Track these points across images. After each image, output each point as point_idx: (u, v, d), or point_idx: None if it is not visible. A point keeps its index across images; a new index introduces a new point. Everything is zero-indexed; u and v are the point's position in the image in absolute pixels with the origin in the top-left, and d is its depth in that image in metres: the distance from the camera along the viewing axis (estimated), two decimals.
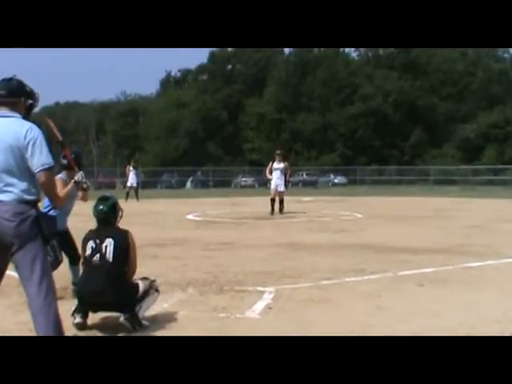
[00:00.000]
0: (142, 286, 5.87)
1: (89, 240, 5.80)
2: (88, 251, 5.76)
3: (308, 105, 73.90)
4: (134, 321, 5.69)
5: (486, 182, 51.99)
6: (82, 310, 5.76)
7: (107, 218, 5.95)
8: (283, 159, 21.07)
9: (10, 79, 4.56)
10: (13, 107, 4.48)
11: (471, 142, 64.38)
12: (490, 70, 72.87)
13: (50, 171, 4.42)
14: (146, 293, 5.88)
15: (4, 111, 4.46)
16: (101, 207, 5.95)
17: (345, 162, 65.46)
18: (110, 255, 5.68)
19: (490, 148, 62.47)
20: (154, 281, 6.11)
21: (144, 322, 5.80)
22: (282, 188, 20.35)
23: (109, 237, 5.75)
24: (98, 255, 5.70)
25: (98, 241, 5.74)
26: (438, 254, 10.65)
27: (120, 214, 6.09)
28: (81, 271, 6.28)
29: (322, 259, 10.08)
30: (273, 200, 20.23)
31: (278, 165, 20.60)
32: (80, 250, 6.08)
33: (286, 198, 20.78)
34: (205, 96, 78.52)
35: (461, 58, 74.68)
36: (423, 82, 73.32)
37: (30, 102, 4.62)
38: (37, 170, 4.32)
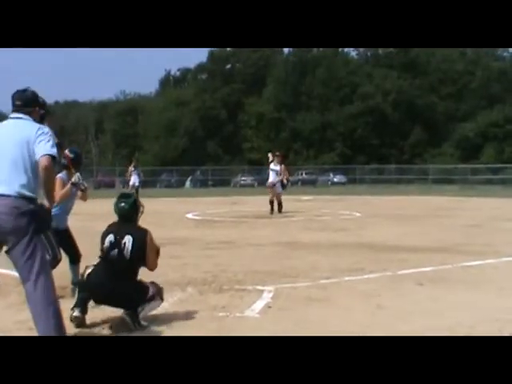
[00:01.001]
0: (151, 289, 5.90)
1: (109, 233, 5.87)
2: (106, 244, 5.81)
3: (307, 104, 73.85)
4: (135, 318, 5.73)
5: (484, 181, 52.06)
6: (82, 304, 5.78)
7: (128, 214, 6.02)
8: (281, 161, 20.90)
9: (25, 90, 4.90)
10: (27, 115, 4.79)
11: (470, 141, 64.37)
12: (490, 68, 72.83)
13: (53, 160, 4.53)
14: (153, 298, 5.91)
15: (18, 114, 4.78)
16: (122, 204, 6.02)
17: (344, 161, 65.49)
18: (127, 252, 5.74)
19: (489, 147, 62.45)
20: (161, 288, 6.12)
21: (143, 322, 5.82)
22: (279, 189, 20.29)
23: (128, 234, 5.81)
24: (116, 250, 5.76)
25: (117, 236, 5.81)
26: (437, 252, 10.66)
27: (141, 209, 6.18)
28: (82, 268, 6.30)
29: (322, 258, 10.10)
30: (272, 202, 20.20)
31: (275, 166, 20.53)
32: (100, 244, 6.08)
33: (285, 198, 20.81)
34: (204, 95, 78.47)
35: (460, 57, 74.68)
36: (422, 81, 73.29)
37: (42, 111, 4.98)
38: (40, 155, 4.48)
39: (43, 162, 4.46)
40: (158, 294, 6.00)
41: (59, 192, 7.00)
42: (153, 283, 6.04)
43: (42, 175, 4.49)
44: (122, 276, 5.70)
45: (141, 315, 5.79)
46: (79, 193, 7.49)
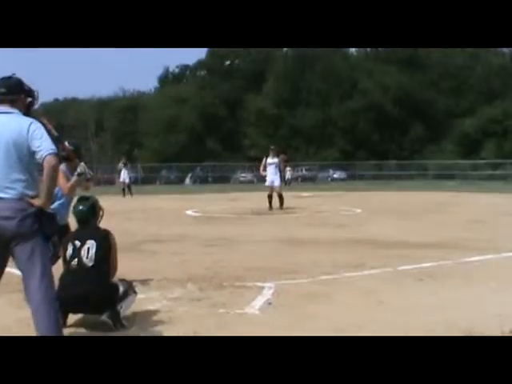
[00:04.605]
0: (121, 287, 5.77)
1: (68, 242, 5.75)
2: (68, 253, 5.70)
3: (307, 100, 73.80)
4: (116, 319, 5.59)
5: (485, 176, 52.07)
6: (62, 311, 5.34)
7: (87, 217, 5.97)
8: (277, 154, 21.22)
9: (10, 77, 4.64)
10: (12, 104, 4.55)
11: (470, 137, 64.32)
12: (489, 64, 72.82)
13: (57, 156, 4.41)
14: (126, 294, 5.78)
15: (4, 108, 4.52)
16: (80, 207, 5.99)
17: (344, 157, 65.45)
18: (92, 258, 5.61)
19: (489, 142, 62.41)
20: (131, 282, 6.10)
21: (124, 322, 5.68)
22: (276, 183, 20.43)
23: (90, 238, 5.70)
24: (76, 260, 5.63)
25: (78, 243, 5.68)
26: (438, 248, 10.65)
27: (101, 213, 6.16)
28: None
29: (322, 254, 10.09)
30: (270, 196, 20.25)
31: (271, 159, 20.77)
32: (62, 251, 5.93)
33: (285, 194, 20.76)
34: (204, 92, 78.40)
35: (460, 52, 74.53)
36: (422, 77, 73.21)
37: (30, 99, 4.69)
38: (46, 153, 4.29)
39: (51, 161, 4.29)
40: (130, 289, 5.90)
41: (65, 185, 6.97)
42: (122, 280, 5.94)
43: (48, 173, 4.31)
44: (92, 283, 5.50)
45: (121, 315, 5.67)
46: (83, 183, 7.55)
